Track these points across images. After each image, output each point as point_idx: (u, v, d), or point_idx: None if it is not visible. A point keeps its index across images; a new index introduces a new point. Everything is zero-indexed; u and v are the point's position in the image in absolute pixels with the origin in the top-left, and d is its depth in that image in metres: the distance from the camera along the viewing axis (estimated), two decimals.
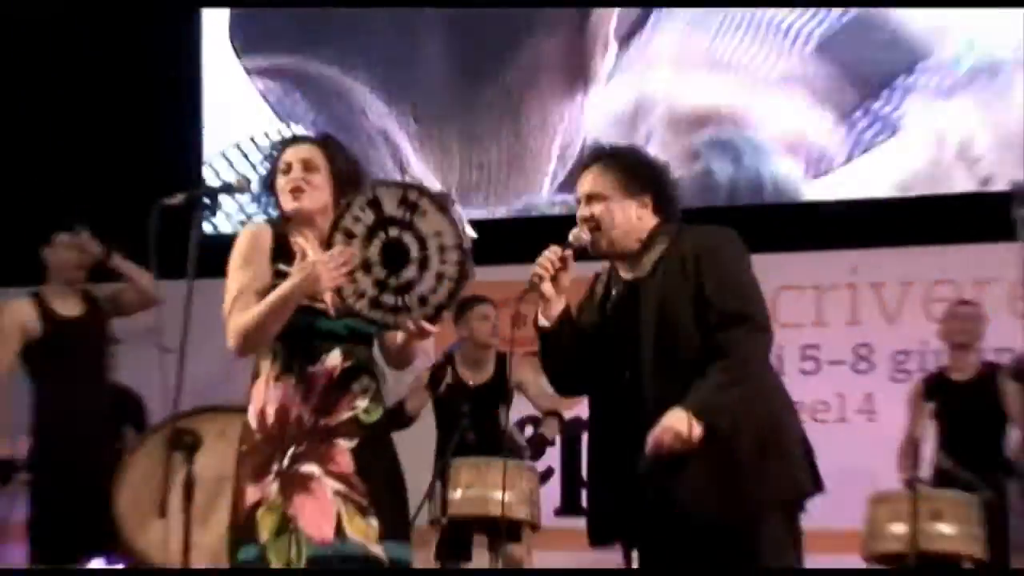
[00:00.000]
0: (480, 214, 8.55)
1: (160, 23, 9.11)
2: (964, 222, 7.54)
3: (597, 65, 8.74)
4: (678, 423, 3.91)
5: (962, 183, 7.95)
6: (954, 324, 7.03)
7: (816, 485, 4.12)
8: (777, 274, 7.07)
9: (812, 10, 8.19)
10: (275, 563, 4.05)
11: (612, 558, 7.25)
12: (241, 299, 4.15)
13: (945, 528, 6.33)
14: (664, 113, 8.59)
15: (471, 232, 4.03)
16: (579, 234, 4.16)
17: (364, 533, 4.10)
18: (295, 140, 4.43)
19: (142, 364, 7.47)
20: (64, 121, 8.98)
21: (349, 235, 4.05)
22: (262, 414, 4.19)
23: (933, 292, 7.74)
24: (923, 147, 8.03)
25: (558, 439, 7.89)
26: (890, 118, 8.06)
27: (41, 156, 8.79)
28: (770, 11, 8.27)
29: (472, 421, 6.74)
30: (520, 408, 7.42)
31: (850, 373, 7.84)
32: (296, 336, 4.18)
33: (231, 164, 9.06)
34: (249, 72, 9.25)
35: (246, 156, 9.09)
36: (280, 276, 4.16)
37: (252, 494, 4.14)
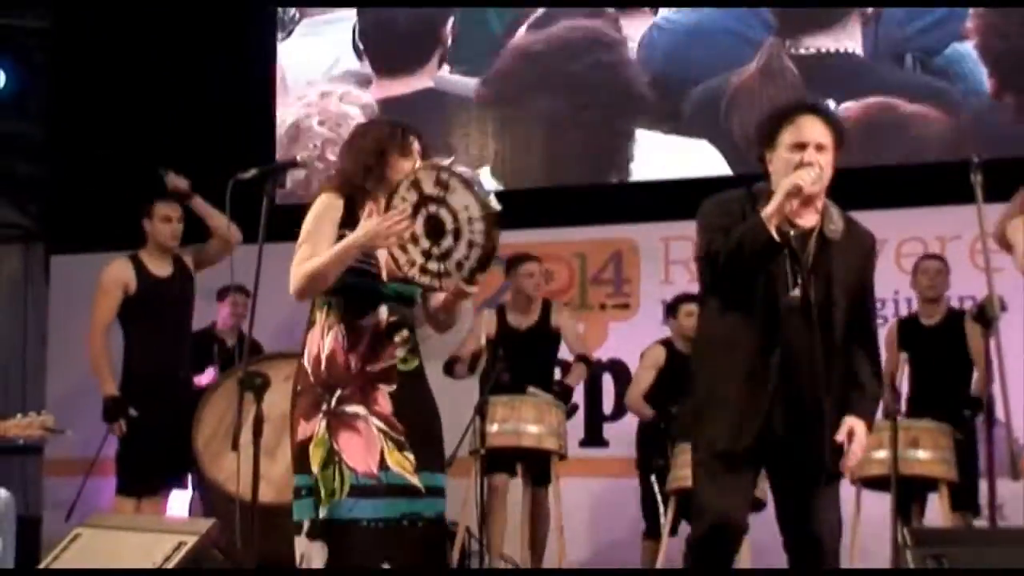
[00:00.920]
0: None
1: (241, 24, 9.05)
2: (929, 187, 7.46)
3: None
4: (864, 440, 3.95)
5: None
6: (923, 279, 6.94)
7: None
8: None
9: None
10: (322, 492, 4.06)
11: (630, 484, 7.23)
12: (307, 253, 4.14)
13: (921, 453, 6.26)
14: None
15: (495, 204, 3.99)
16: (816, 176, 3.87)
17: (402, 465, 4.10)
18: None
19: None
20: (160, 108, 8.94)
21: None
22: (315, 359, 4.20)
23: (903, 248, 7.64)
24: None
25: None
26: None
27: (140, 139, 8.72)
28: None
29: (513, 363, 6.68)
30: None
31: None
32: (350, 293, 4.18)
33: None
34: None
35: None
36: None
37: (304, 430, 4.15)
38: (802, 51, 8.10)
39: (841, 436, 3.88)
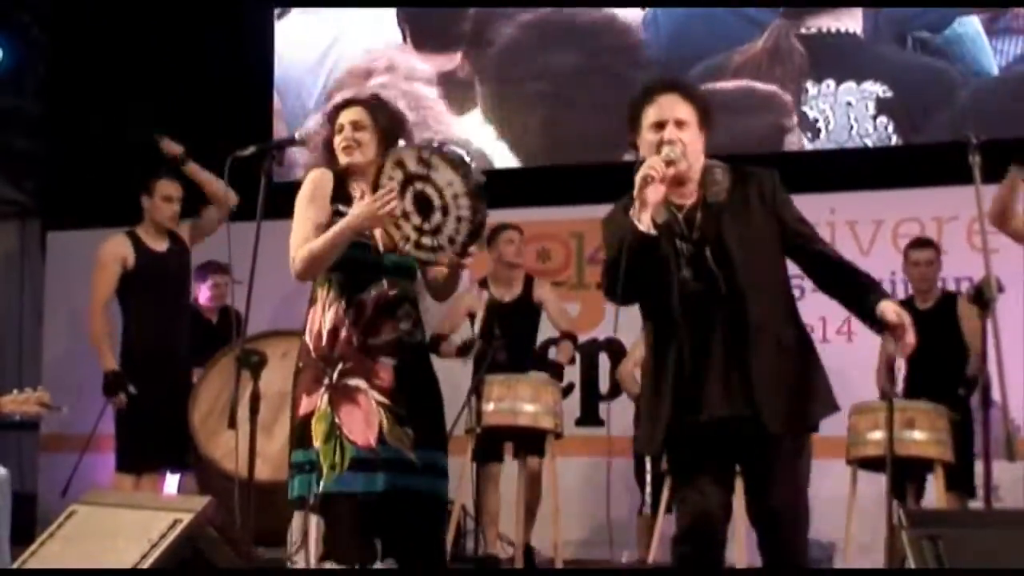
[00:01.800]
0: None
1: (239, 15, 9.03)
2: (927, 168, 7.42)
3: None
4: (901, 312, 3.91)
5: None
6: (914, 272, 6.92)
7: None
8: None
9: None
10: (324, 465, 4.09)
11: (626, 463, 7.24)
12: (304, 232, 4.21)
13: (917, 434, 6.25)
14: None
15: (479, 177, 4.04)
16: (678, 154, 3.79)
17: (401, 440, 4.14)
18: (346, 104, 4.46)
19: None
20: (157, 84, 8.91)
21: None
22: (316, 334, 4.24)
23: (900, 229, 7.61)
24: None
25: (578, 358, 7.84)
26: None
27: (137, 116, 8.69)
28: None
29: (503, 341, 6.70)
30: (542, 331, 7.36)
31: (831, 299, 7.73)
32: (349, 268, 4.24)
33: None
34: None
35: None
36: (338, 215, 4.23)
37: (306, 405, 4.18)
38: (803, 31, 8.08)
39: (891, 317, 3.89)
